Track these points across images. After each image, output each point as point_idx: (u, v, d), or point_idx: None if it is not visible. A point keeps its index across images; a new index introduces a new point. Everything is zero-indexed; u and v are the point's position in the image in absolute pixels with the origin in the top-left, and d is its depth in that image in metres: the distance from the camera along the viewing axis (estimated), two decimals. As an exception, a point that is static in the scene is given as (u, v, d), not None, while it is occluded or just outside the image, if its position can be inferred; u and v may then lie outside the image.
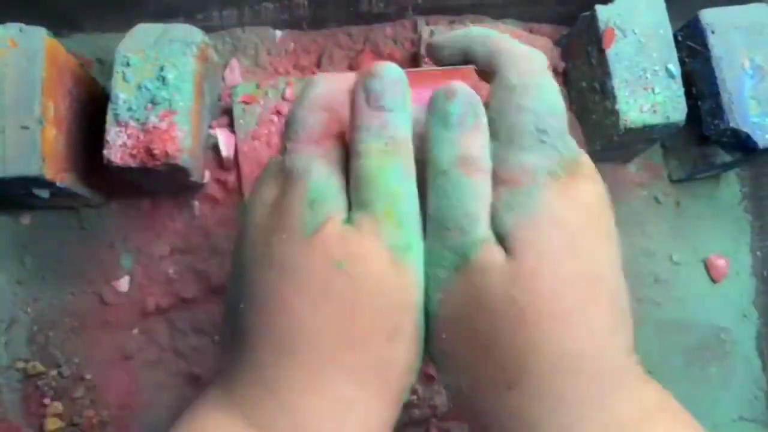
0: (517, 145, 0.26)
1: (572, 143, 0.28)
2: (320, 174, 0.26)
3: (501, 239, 0.25)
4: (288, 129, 0.28)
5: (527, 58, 0.28)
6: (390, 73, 0.27)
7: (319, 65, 0.57)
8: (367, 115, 0.26)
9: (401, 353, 0.26)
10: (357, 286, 0.25)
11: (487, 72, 0.30)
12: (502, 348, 0.24)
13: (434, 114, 0.27)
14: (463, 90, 0.27)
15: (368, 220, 0.25)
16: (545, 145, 0.26)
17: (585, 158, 0.29)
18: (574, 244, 0.25)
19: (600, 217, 0.27)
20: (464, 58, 0.31)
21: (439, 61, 0.33)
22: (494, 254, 0.25)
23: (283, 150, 0.28)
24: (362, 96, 0.27)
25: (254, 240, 0.27)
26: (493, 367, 0.25)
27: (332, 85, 0.28)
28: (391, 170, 0.26)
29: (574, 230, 0.25)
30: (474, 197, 0.25)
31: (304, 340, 0.25)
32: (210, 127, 0.54)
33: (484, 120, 0.27)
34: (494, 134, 0.27)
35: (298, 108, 0.28)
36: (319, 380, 0.25)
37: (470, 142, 0.26)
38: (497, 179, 0.26)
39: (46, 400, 0.52)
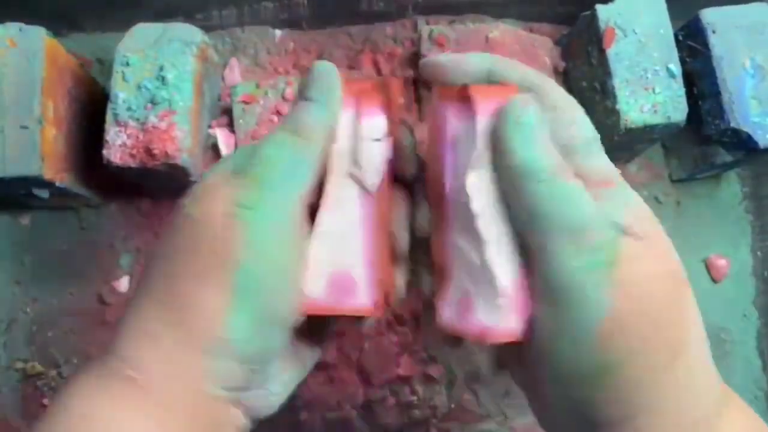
0: (589, 153, 0.28)
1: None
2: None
3: (625, 232, 0.26)
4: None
5: (553, 82, 0.31)
6: (320, 68, 0.29)
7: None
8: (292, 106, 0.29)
9: (208, 298, 0.26)
10: (189, 230, 0.27)
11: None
12: (669, 322, 0.26)
13: (511, 125, 0.27)
14: (534, 101, 0.28)
15: (235, 180, 0.27)
16: (601, 149, 0.29)
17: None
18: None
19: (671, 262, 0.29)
20: (488, 79, 0.30)
21: (446, 80, 0.31)
22: (633, 243, 0.26)
23: None
24: (297, 91, 0.29)
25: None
26: (663, 342, 0.26)
27: None
28: (278, 142, 0.28)
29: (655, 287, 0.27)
30: (588, 198, 0.26)
31: (146, 276, 0.28)
32: (210, 126, 0.54)
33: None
34: None
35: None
36: (136, 313, 0.27)
37: (553, 149, 0.27)
38: (590, 183, 0.27)
39: (45, 401, 0.52)
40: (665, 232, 0.28)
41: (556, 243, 0.25)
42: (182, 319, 0.26)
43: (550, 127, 0.28)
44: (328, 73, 0.29)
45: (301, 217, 0.28)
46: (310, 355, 0.32)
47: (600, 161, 0.28)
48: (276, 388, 0.30)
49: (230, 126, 0.54)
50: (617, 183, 0.28)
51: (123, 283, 0.53)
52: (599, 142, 0.29)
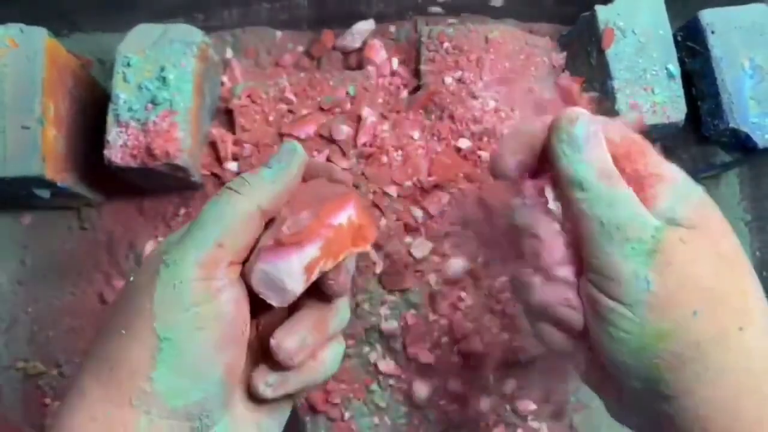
0: (651, 155, 0.32)
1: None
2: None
3: (678, 223, 0.29)
4: None
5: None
6: (286, 145, 0.32)
7: (319, 65, 0.58)
8: None
9: (131, 352, 0.27)
10: (124, 292, 0.29)
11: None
12: (722, 294, 0.28)
13: (561, 138, 0.30)
14: (583, 113, 0.31)
15: (174, 241, 0.29)
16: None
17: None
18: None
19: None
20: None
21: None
22: (679, 231, 0.29)
23: None
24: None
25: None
26: (722, 313, 0.28)
27: None
28: (214, 199, 0.29)
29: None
30: (631, 199, 0.29)
31: (92, 343, 0.29)
32: (210, 126, 0.54)
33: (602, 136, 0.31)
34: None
35: None
36: (79, 371, 0.29)
37: (601, 155, 0.30)
38: (658, 179, 0.31)
39: (47, 400, 0.52)
40: (723, 219, 0.31)
41: (602, 239, 0.29)
42: (111, 376, 0.27)
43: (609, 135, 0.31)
44: (292, 150, 0.31)
45: (220, 265, 0.28)
46: (272, 417, 0.32)
47: (662, 162, 0.32)
48: None
49: (230, 126, 0.54)
50: (675, 180, 0.31)
51: (123, 283, 0.53)
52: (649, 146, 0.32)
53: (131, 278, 0.29)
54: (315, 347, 0.31)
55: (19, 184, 0.47)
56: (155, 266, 0.28)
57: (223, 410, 0.29)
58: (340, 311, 0.32)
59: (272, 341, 0.30)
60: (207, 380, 0.28)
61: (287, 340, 0.30)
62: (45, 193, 0.49)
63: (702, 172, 0.56)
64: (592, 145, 0.30)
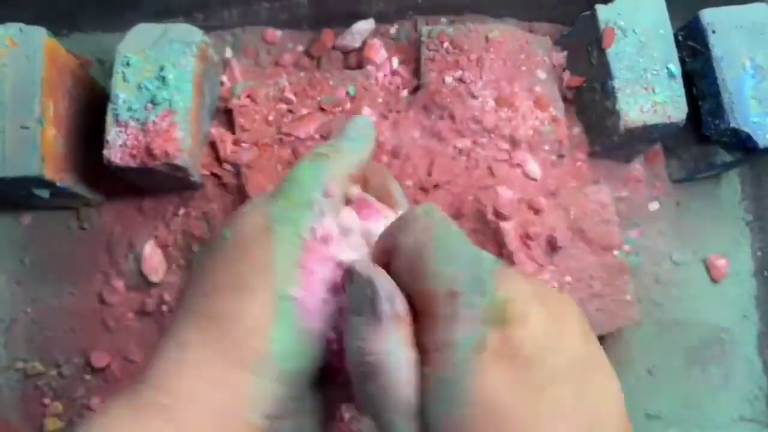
0: (431, 323, 0.24)
1: (496, 285, 0.24)
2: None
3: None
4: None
5: (417, 216, 0.27)
6: (359, 120, 0.32)
7: (318, 65, 0.57)
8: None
9: (246, 309, 0.26)
10: (227, 245, 0.28)
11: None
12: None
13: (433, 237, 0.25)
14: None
15: (267, 201, 0.28)
16: (461, 309, 0.23)
17: (515, 293, 0.23)
18: (508, 417, 0.22)
19: (536, 362, 0.22)
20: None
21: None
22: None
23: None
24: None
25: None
26: None
27: None
28: (300, 165, 0.29)
29: (507, 401, 0.22)
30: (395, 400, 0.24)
31: (184, 300, 0.28)
32: (209, 126, 0.54)
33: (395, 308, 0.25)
34: (415, 315, 0.25)
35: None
36: (174, 336, 0.27)
37: (380, 336, 0.25)
38: (424, 365, 0.24)
39: (46, 400, 0.52)
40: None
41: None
42: (223, 334, 0.26)
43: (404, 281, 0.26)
44: (367, 123, 0.32)
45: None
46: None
47: (441, 333, 0.24)
48: (308, 421, 0.28)
49: (230, 126, 0.54)
50: (451, 369, 0.23)
51: (123, 283, 0.53)
52: (462, 291, 0.24)
53: (226, 236, 0.28)
54: None
55: (19, 184, 0.47)
56: (263, 223, 0.27)
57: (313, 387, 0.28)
58: None
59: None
60: (316, 347, 0.27)
61: None
62: (44, 193, 0.49)
63: (702, 172, 0.56)
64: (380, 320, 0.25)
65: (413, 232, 0.26)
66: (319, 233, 0.28)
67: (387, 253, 0.27)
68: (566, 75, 0.55)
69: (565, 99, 0.55)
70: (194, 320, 0.26)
